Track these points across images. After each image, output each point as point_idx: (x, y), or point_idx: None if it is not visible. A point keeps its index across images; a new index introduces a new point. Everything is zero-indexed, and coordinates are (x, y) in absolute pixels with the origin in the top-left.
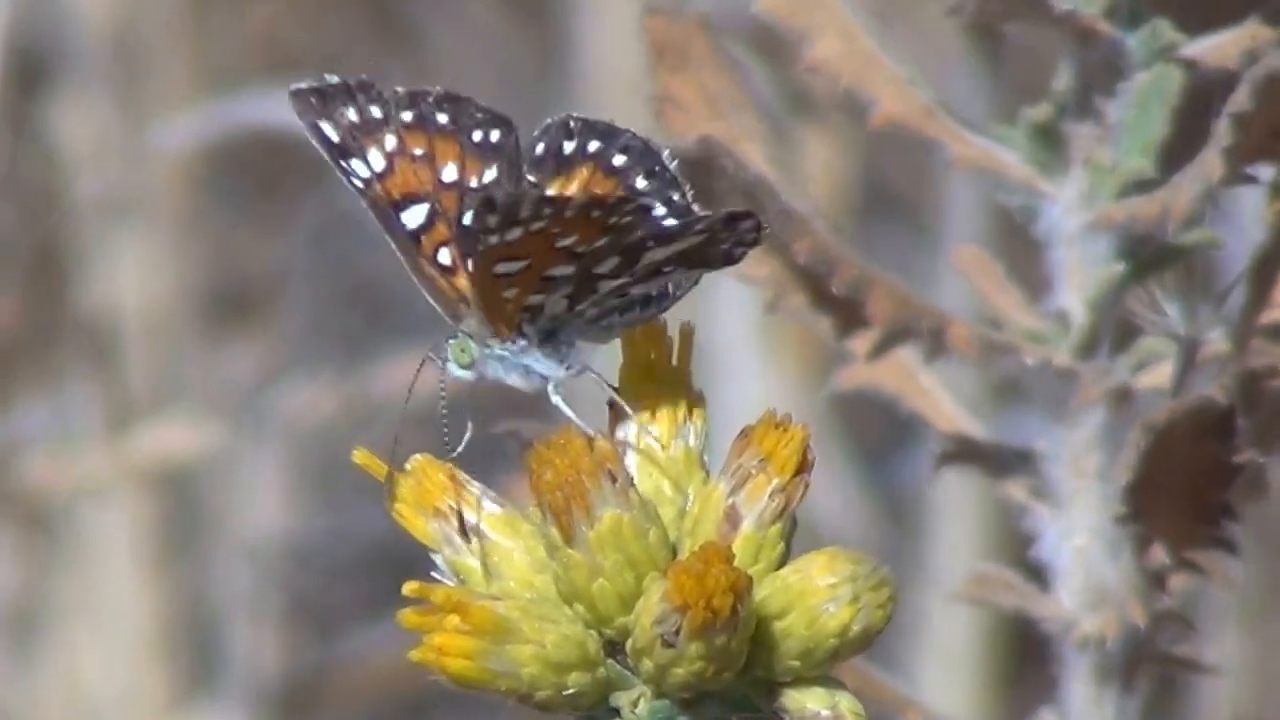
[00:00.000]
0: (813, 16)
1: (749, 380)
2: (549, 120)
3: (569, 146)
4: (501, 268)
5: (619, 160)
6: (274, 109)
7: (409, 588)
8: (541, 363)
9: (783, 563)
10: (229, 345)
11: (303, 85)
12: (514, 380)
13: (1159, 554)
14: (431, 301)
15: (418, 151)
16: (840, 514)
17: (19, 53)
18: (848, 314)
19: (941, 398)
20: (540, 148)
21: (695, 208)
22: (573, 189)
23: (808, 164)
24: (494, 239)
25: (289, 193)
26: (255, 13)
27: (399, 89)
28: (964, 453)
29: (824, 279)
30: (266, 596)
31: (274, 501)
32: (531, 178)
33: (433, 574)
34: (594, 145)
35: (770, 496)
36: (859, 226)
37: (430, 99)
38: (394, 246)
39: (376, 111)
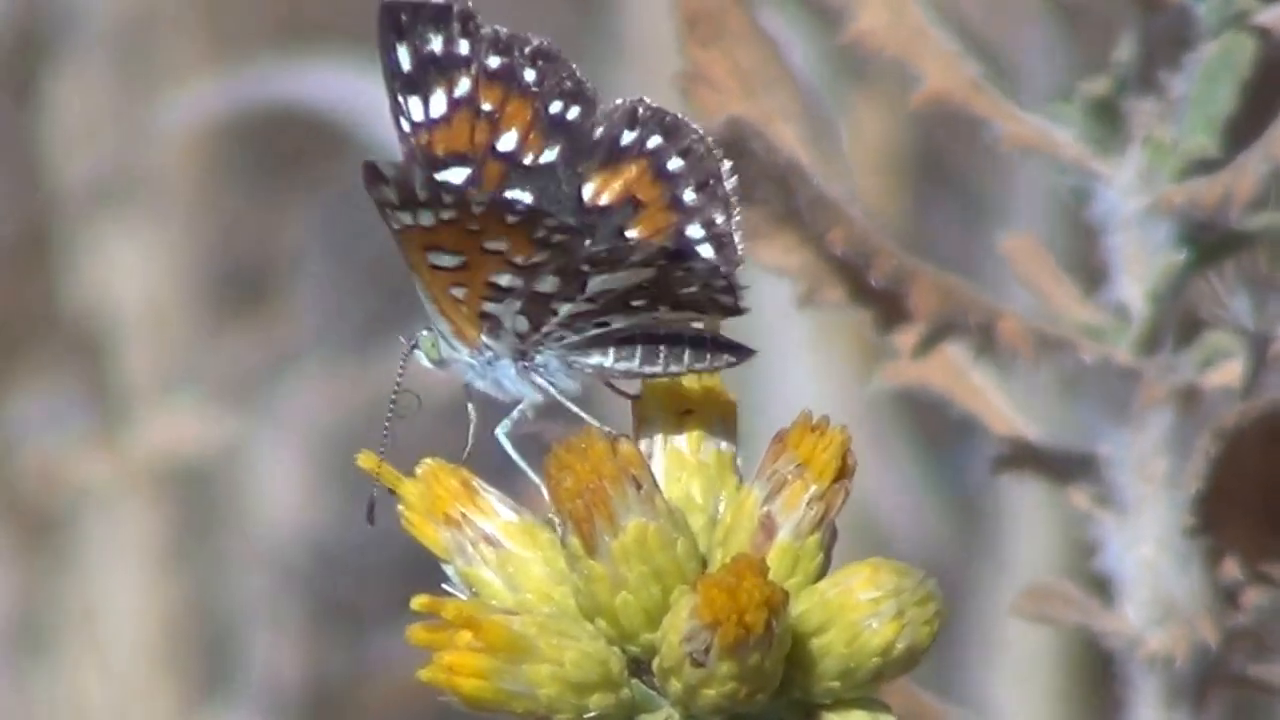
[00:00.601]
0: None
1: (802, 375)
2: (618, 102)
3: (628, 137)
4: (434, 258)
5: (674, 164)
6: (289, 82)
7: (417, 602)
8: (512, 381)
9: (821, 575)
10: (240, 333)
11: None
12: (486, 389)
13: (1231, 567)
14: (417, 285)
15: (487, 106)
16: (906, 516)
17: (13, 23)
18: (889, 307)
19: (995, 397)
20: (599, 132)
21: (735, 234)
22: (615, 187)
23: (863, 136)
24: (406, 218)
25: (302, 169)
26: None
27: (499, 29)
28: (1021, 457)
29: (862, 270)
30: (287, 599)
31: (293, 497)
32: (578, 166)
33: (444, 586)
34: (654, 141)
35: (808, 504)
36: (916, 203)
37: (526, 50)
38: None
39: (464, 47)
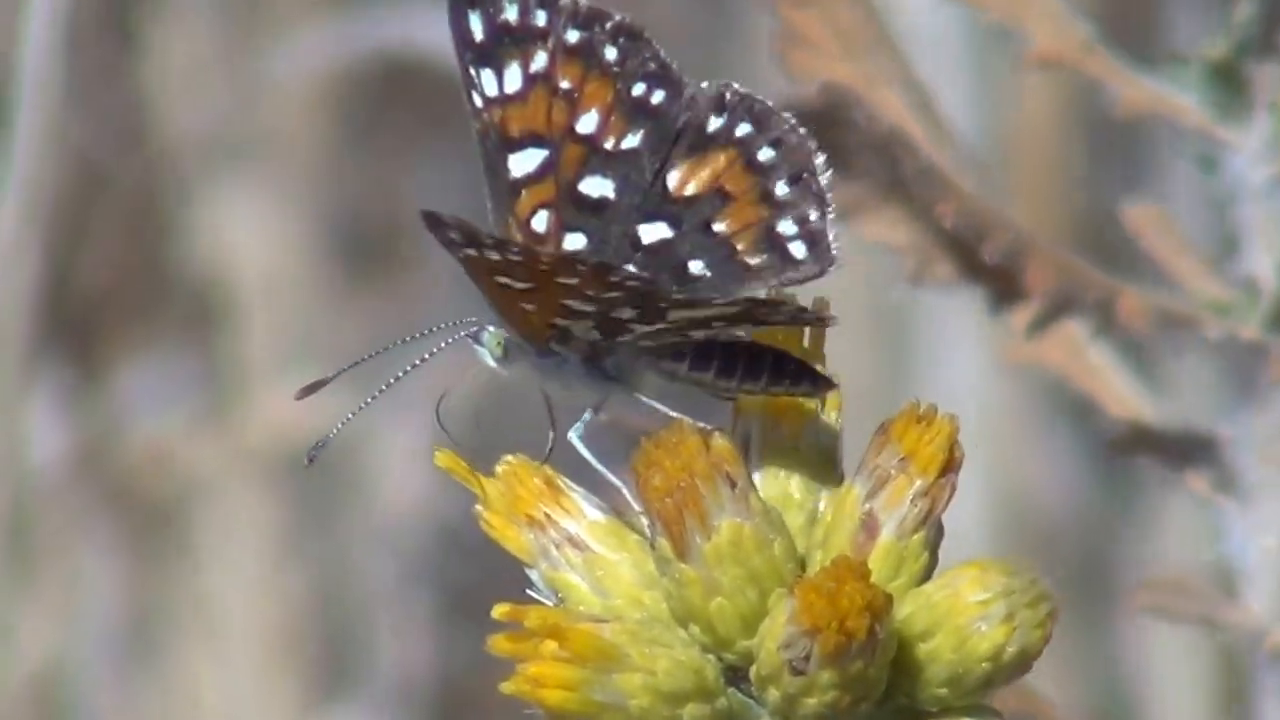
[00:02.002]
0: None
1: (963, 362)
2: (703, 85)
3: (714, 124)
4: (502, 280)
5: (765, 155)
6: (413, 27)
7: (499, 610)
8: (583, 382)
9: (928, 576)
10: (363, 302)
11: None
12: (555, 390)
13: None
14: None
15: (564, 85)
16: (1068, 510)
17: None
18: (1003, 284)
19: (1112, 377)
20: (683, 119)
21: (829, 232)
22: (702, 177)
23: (1029, 102)
24: (470, 252)
25: (429, 120)
26: None
27: (579, 0)
28: (1138, 440)
29: (974, 245)
30: (413, 589)
31: (419, 481)
32: (662, 153)
33: (528, 592)
34: (743, 129)
35: (912, 501)
36: (1086, 172)
37: (608, 25)
38: (486, 187)
39: (541, 18)
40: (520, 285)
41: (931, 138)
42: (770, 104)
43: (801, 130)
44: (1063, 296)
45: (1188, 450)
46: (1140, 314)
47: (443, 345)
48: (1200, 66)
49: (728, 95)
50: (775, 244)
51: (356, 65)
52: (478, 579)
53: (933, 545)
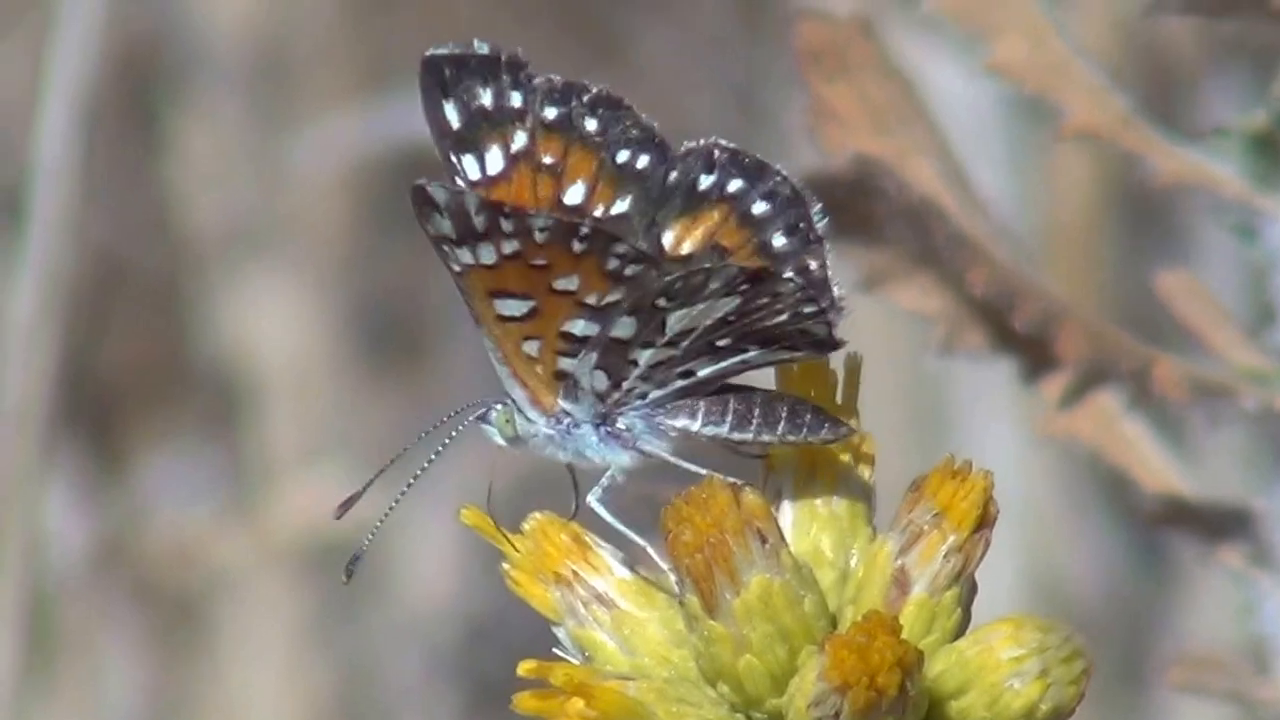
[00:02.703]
0: (992, 14)
1: (996, 428)
2: (690, 145)
3: (705, 181)
4: (501, 306)
5: (759, 208)
6: None
7: (524, 666)
8: (595, 449)
9: (960, 633)
10: (389, 391)
11: (440, 50)
12: (569, 460)
13: None
14: (488, 348)
15: (547, 160)
16: (1099, 585)
17: (139, 54)
18: (1035, 353)
19: (1146, 450)
20: (673, 176)
21: (832, 280)
22: (696, 235)
23: (1064, 178)
24: (466, 257)
25: None
26: (428, 12)
27: (553, 77)
28: (1172, 514)
29: (1005, 313)
30: (440, 682)
31: (446, 573)
32: (655, 215)
33: (555, 650)
34: (735, 185)
35: (946, 556)
36: (1123, 247)
37: (585, 98)
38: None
39: (516, 99)
40: (519, 310)
41: (964, 208)
42: (760, 158)
43: (794, 181)
44: (1095, 366)
45: (1222, 524)
46: (1175, 383)
47: (454, 434)
48: (1240, 137)
49: (716, 152)
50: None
51: (380, 154)
52: (505, 672)
53: (966, 602)
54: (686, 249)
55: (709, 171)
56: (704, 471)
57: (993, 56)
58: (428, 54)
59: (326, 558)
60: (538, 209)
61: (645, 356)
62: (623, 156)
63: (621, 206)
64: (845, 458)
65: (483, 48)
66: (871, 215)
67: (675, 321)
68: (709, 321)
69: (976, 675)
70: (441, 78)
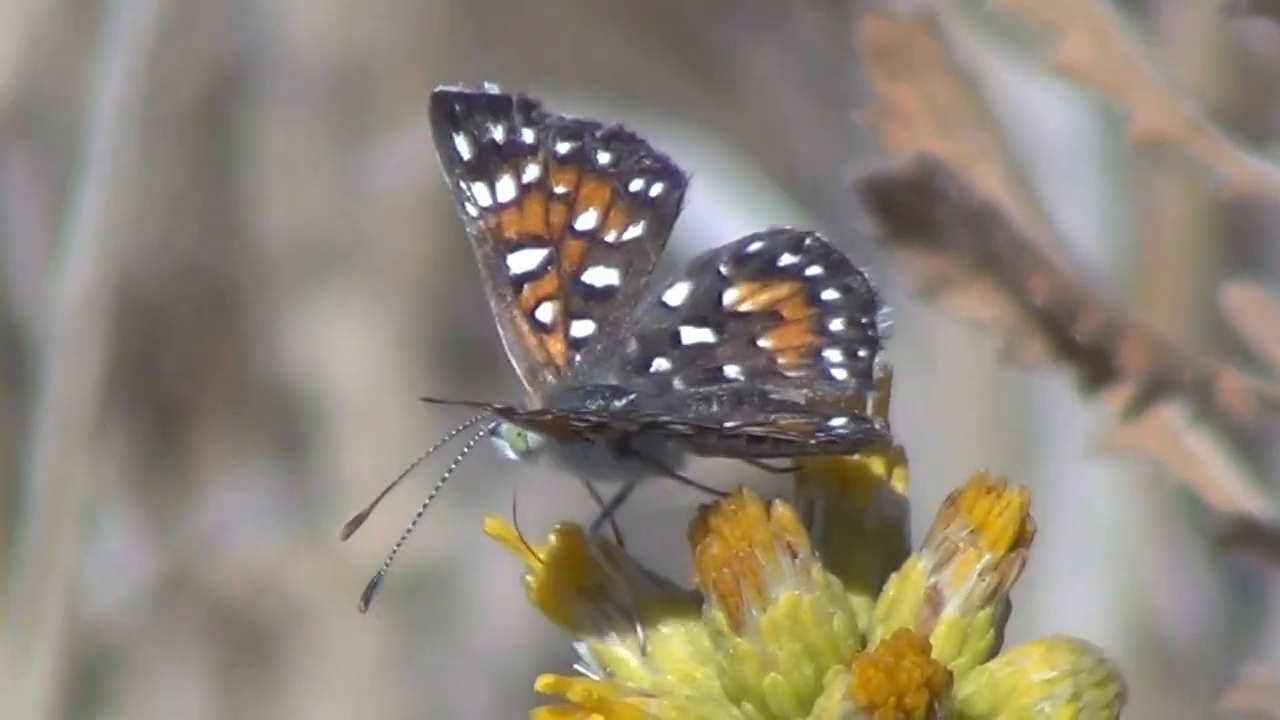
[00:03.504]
0: (1057, 11)
1: (1090, 472)
2: (786, 228)
3: (787, 259)
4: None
5: (829, 294)
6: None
7: (542, 682)
8: (611, 466)
9: (993, 654)
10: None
11: (451, 88)
12: (585, 476)
13: None
14: (510, 357)
15: (559, 189)
16: (1197, 617)
17: (210, 64)
18: (1096, 365)
19: (1215, 466)
20: (756, 246)
21: (874, 370)
22: (760, 299)
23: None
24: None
25: None
26: (519, 25)
27: (565, 116)
28: (1242, 535)
29: (1066, 323)
30: (516, 716)
31: (521, 603)
32: (724, 269)
33: (575, 666)
34: (814, 270)
35: (980, 575)
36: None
37: (598, 134)
38: (486, 284)
39: (528, 136)
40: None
41: (1026, 214)
42: (848, 257)
43: (874, 285)
44: (1158, 378)
45: None
46: (1240, 396)
47: (471, 445)
48: None
49: (808, 240)
50: (818, 363)
51: None
52: None
53: (999, 622)
54: (746, 308)
55: (794, 253)
56: (724, 493)
57: (1056, 56)
58: (436, 90)
59: (399, 588)
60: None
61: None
62: (636, 185)
63: (635, 231)
64: (879, 472)
65: (494, 88)
66: (931, 219)
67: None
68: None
69: (1007, 697)
70: (451, 112)
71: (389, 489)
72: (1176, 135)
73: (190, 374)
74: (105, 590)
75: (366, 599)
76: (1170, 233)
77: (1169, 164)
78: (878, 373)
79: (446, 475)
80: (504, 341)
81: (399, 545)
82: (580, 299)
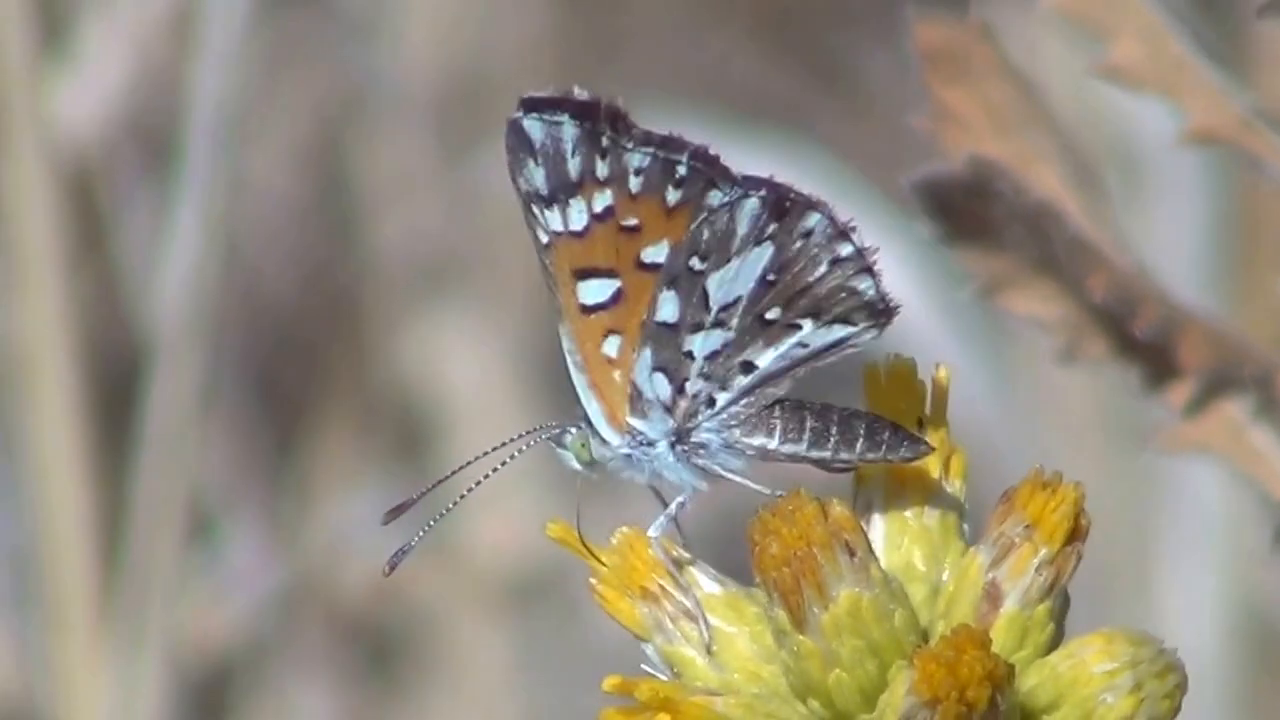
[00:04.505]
0: (1109, 14)
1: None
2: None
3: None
4: (584, 291)
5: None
6: None
7: (609, 682)
8: (672, 469)
9: (1053, 647)
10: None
11: (538, 94)
12: (648, 482)
13: None
14: (567, 353)
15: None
16: None
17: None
18: (1157, 362)
19: (1278, 460)
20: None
21: (864, 247)
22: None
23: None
24: (555, 222)
25: None
26: (635, 35)
27: (650, 132)
28: None
29: (1126, 320)
30: None
31: None
32: (695, 263)
33: (643, 666)
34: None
35: (1037, 569)
36: None
37: (682, 152)
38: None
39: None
40: (603, 293)
41: (1090, 214)
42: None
43: (837, 216)
44: (1220, 373)
45: None
46: None
47: (523, 449)
48: None
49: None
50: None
51: None
52: None
53: (1058, 616)
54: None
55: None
56: (780, 493)
57: (1107, 59)
58: (524, 97)
59: (526, 593)
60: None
61: (698, 344)
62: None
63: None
64: (936, 471)
65: (582, 94)
66: (988, 219)
67: (715, 289)
68: (751, 285)
69: (1069, 690)
70: (529, 142)
71: (438, 483)
72: (1228, 133)
73: (310, 384)
74: (228, 601)
75: (393, 564)
76: (1270, 235)
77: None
78: (874, 257)
79: (492, 474)
80: (567, 362)
81: (432, 525)
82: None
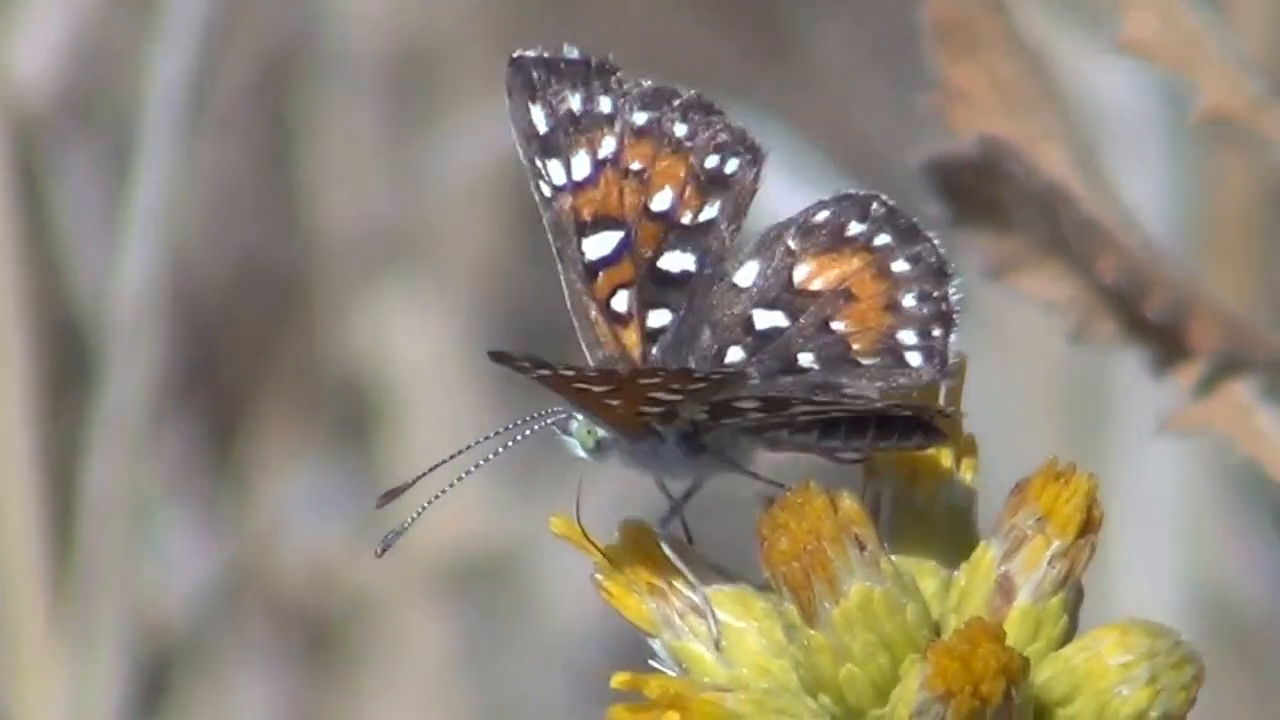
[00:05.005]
0: None
1: (1161, 451)
2: (850, 192)
3: (855, 228)
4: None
5: (900, 267)
6: None
7: (618, 679)
8: (682, 463)
9: (1067, 640)
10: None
11: (529, 53)
12: (654, 474)
13: None
14: (583, 346)
15: (635, 166)
16: (1268, 595)
17: (273, 51)
18: (1167, 343)
19: None
20: (822, 215)
21: (950, 351)
22: (830, 275)
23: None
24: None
25: None
26: (580, 6)
27: (644, 82)
28: None
29: (1136, 302)
30: (589, 707)
31: (593, 598)
32: (792, 243)
33: (650, 662)
34: (882, 239)
35: (1050, 562)
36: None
37: (675, 103)
38: (560, 272)
39: (606, 105)
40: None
41: (1093, 194)
42: (916, 221)
43: (943, 251)
44: (1229, 355)
45: None
46: None
47: (527, 434)
48: None
49: (874, 205)
50: (892, 350)
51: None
52: None
53: (1072, 608)
54: (816, 286)
55: (861, 220)
56: (791, 486)
57: (1122, 33)
58: (515, 55)
59: (468, 578)
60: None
61: (758, 418)
62: (711, 162)
63: (710, 212)
64: (947, 462)
65: (573, 52)
66: (999, 200)
67: (801, 408)
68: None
69: (1084, 682)
70: (529, 79)
71: (434, 468)
72: (1243, 112)
73: (252, 365)
74: (169, 588)
75: (385, 546)
76: (1233, 205)
77: (1231, 136)
78: (953, 356)
79: (497, 452)
80: (578, 331)
81: (428, 504)
82: (655, 286)
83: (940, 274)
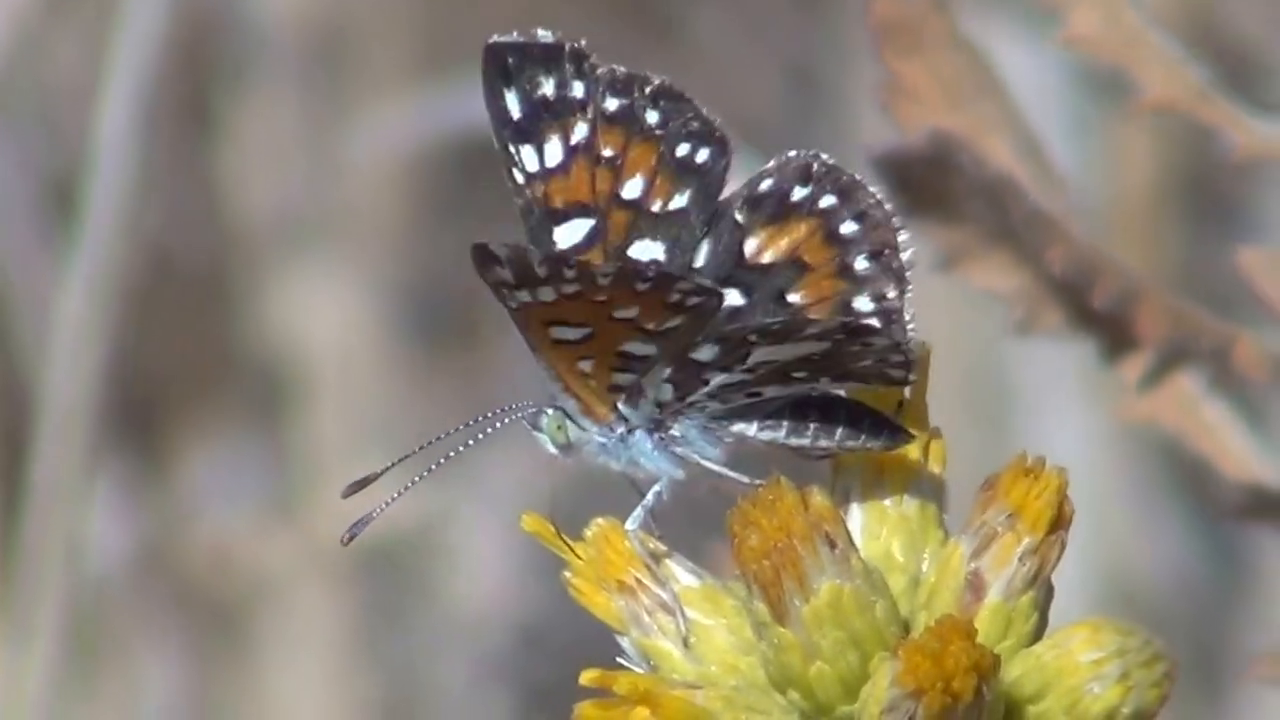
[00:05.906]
0: None
1: (1065, 421)
2: (789, 155)
3: (799, 193)
4: (556, 333)
5: (847, 228)
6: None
7: (587, 676)
8: (650, 457)
9: (1038, 637)
10: (442, 385)
11: (504, 39)
12: (622, 469)
13: None
14: (538, 361)
15: (607, 152)
16: (1173, 583)
17: (192, 43)
18: (1114, 333)
19: (1229, 436)
20: (767, 184)
21: (906, 310)
22: (780, 245)
23: (1129, 159)
24: (524, 297)
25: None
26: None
27: (616, 68)
28: (1258, 506)
29: (1083, 292)
30: (492, 689)
31: (496, 576)
32: (740, 216)
33: (619, 659)
34: (827, 201)
35: (1020, 559)
36: (1188, 231)
37: (647, 90)
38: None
39: (579, 90)
40: (575, 334)
41: (1041, 185)
42: (858, 177)
43: (887, 206)
44: (1176, 346)
45: None
46: (1256, 363)
47: (497, 427)
48: None
49: (815, 166)
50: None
51: (435, 143)
52: (555, 678)
53: (1043, 605)
54: (767, 258)
55: (804, 184)
56: (758, 483)
57: (1066, 29)
58: (491, 41)
59: (373, 560)
60: (602, 263)
61: (719, 379)
62: (682, 150)
63: (680, 201)
64: (915, 457)
65: (546, 36)
66: (948, 192)
67: (760, 355)
68: (792, 357)
69: (1055, 679)
70: (505, 66)
71: (401, 459)
72: (1186, 103)
73: (167, 349)
74: (86, 567)
75: (352, 535)
76: (1137, 187)
77: (1135, 118)
78: (909, 314)
79: (459, 450)
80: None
81: (396, 497)
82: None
83: (888, 227)
